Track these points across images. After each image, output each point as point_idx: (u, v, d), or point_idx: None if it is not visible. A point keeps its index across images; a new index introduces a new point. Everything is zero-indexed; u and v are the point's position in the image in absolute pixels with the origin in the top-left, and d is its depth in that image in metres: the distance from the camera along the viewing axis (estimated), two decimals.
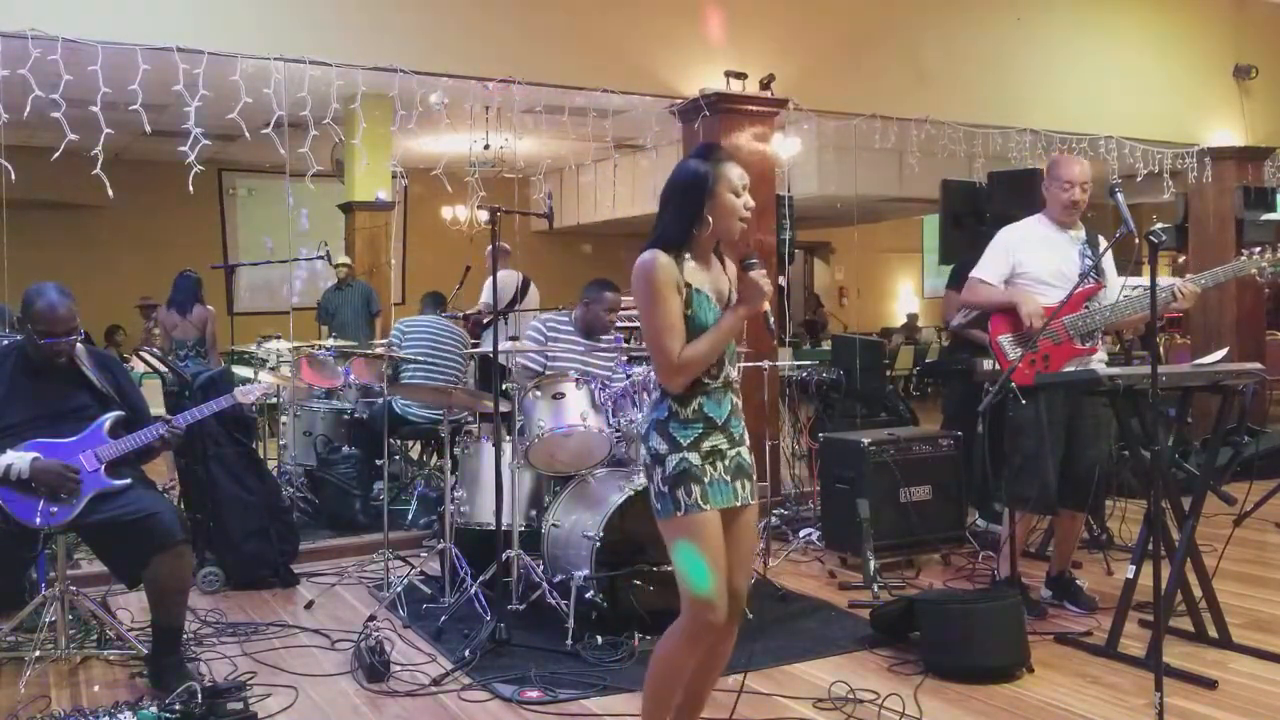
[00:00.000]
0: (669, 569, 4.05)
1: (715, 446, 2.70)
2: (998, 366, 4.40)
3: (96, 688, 3.71)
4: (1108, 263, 4.42)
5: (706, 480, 2.67)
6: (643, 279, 2.63)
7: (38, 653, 3.79)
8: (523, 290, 8.32)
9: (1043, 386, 4.12)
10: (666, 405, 2.70)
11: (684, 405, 2.70)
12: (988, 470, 4.70)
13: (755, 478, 2.82)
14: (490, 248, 4.53)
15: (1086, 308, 4.26)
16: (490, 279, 7.80)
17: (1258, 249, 4.31)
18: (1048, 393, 4.19)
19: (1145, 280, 4.25)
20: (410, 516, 6.20)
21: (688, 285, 2.66)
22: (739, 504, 2.74)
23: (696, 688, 2.88)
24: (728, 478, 2.71)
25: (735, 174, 2.69)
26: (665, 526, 2.71)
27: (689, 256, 2.69)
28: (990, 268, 4.47)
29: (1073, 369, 4.24)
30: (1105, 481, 4.64)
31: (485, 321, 7.31)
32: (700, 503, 2.66)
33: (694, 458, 2.67)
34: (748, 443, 2.81)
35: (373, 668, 3.75)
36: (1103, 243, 4.46)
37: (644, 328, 2.69)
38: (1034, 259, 4.39)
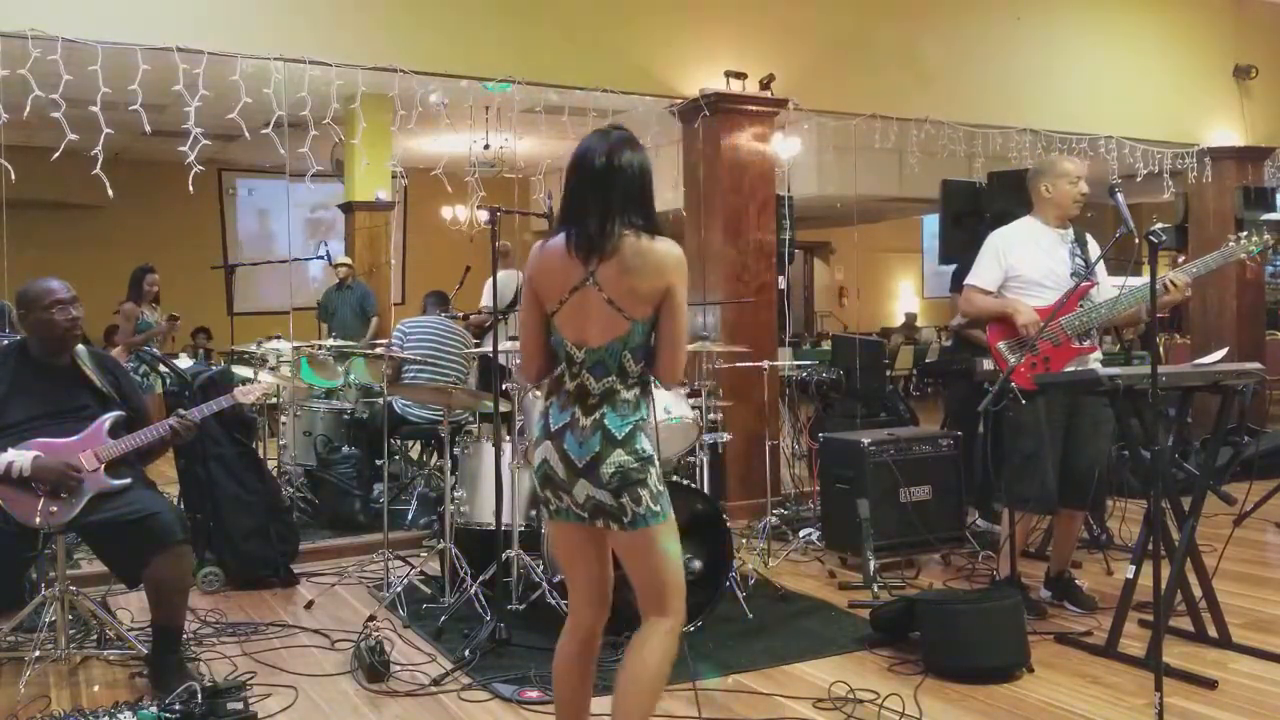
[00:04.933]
0: None
1: None
2: (998, 369, 4.39)
3: (96, 688, 3.72)
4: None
5: None
6: (686, 271, 2.58)
7: (38, 653, 3.78)
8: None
9: (1044, 387, 4.13)
10: (646, 404, 2.63)
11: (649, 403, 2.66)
12: (989, 470, 4.70)
13: None
14: (494, 247, 4.54)
15: (1081, 306, 4.27)
16: (490, 280, 7.84)
17: (1243, 233, 4.36)
18: (1048, 393, 4.19)
19: (1137, 280, 4.28)
20: (410, 516, 6.20)
21: None
22: None
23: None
24: None
25: None
26: (661, 531, 2.59)
27: None
28: (984, 273, 4.46)
29: (1073, 369, 4.24)
30: (1105, 481, 4.64)
31: (487, 325, 7.31)
32: None
33: None
34: None
35: (373, 668, 3.75)
36: (1090, 240, 4.48)
37: (681, 318, 2.57)
38: (1026, 261, 4.38)
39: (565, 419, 2.57)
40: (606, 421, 2.53)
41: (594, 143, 2.58)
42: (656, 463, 2.58)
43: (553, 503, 2.63)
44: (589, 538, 2.66)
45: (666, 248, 2.54)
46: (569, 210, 2.58)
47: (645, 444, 2.56)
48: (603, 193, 2.52)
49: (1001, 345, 4.35)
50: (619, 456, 2.51)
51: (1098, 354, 4.40)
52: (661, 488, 2.58)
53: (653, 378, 2.64)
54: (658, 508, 2.56)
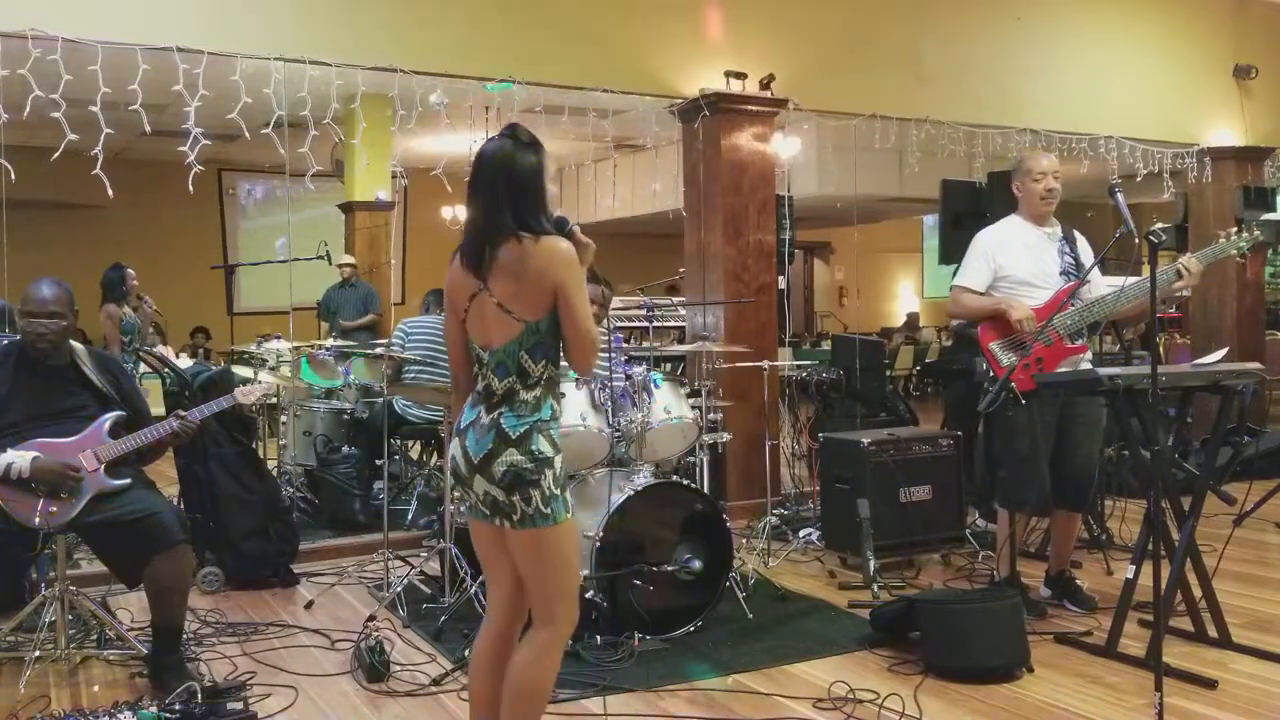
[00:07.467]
0: (669, 569, 4.11)
1: None
2: (992, 373, 4.36)
3: (96, 688, 3.72)
4: (1087, 259, 4.43)
5: None
6: (575, 265, 2.59)
7: (38, 653, 3.78)
8: None
9: (1044, 387, 4.12)
10: (550, 405, 2.63)
11: (559, 403, 2.67)
12: (984, 471, 4.69)
13: None
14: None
15: (1073, 305, 4.25)
16: None
17: (1233, 229, 4.36)
18: (1045, 394, 4.18)
19: (1125, 280, 4.28)
20: (410, 516, 6.20)
21: None
22: None
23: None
24: None
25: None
26: (551, 534, 2.58)
27: None
28: (973, 274, 4.43)
29: (1066, 369, 4.24)
30: (1104, 481, 4.64)
31: None
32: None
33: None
34: None
35: (373, 668, 3.75)
36: (1081, 239, 4.47)
37: (576, 310, 2.57)
38: (1015, 261, 4.36)
39: (472, 417, 2.63)
40: (502, 421, 2.56)
41: (480, 151, 2.64)
42: (556, 466, 2.58)
43: (464, 499, 2.69)
44: (497, 539, 2.67)
45: (549, 246, 2.56)
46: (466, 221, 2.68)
47: (544, 446, 2.56)
48: (481, 204, 2.59)
49: (994, 346, 4.31)
50: (511, 455, 2.54)
51: (1088, 354, 4.40)
52: (557, 491, 2.58)
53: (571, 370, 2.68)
54: (548, 510, 2.55)
